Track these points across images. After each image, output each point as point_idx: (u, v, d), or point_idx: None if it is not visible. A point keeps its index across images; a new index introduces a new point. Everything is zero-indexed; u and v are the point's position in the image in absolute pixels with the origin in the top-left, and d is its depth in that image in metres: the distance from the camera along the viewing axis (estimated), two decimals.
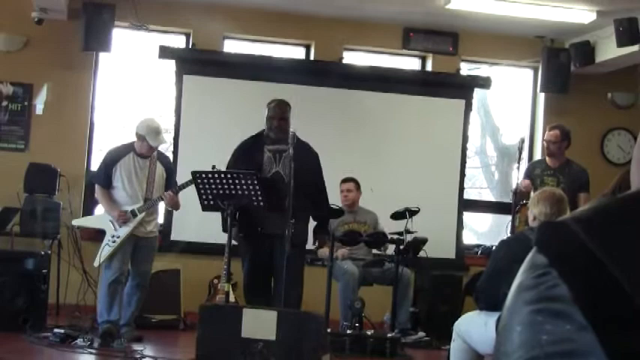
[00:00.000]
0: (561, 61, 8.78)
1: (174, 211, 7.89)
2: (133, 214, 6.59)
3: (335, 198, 7.05)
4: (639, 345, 0.69)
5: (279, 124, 6.22)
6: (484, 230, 9.81)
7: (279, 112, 6.27)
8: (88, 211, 8.10)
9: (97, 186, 6.85)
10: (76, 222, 7.39)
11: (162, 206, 7.18)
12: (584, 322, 0.71)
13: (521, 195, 6.99)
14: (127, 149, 6.68)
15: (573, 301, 0.72)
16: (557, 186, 6.59)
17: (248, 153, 6.29)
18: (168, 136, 8.67)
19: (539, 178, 7.12)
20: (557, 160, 7.20)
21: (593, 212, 0.78)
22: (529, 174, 7.27)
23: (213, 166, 6.20)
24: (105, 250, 6.59)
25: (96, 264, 6.80)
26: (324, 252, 7.21)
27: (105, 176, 6.69)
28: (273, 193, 6.01)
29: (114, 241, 6.58)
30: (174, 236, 8.29)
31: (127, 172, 6.61)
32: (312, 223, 6.58)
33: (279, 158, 6.24)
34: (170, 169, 6.89)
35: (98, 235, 6.85)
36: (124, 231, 6.57)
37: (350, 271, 7.35)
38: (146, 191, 6.61)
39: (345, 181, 7.82)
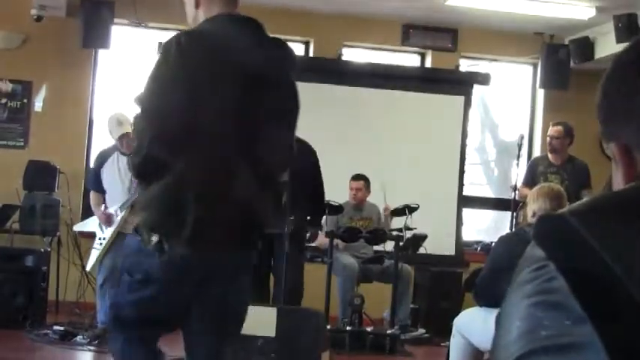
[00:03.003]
0: (560, 58, 8.78)
1: None
2: (116, 213, 6.56)
3: (334, 194, 7.04)
4: (636, 337, 0.69)
5: None
6: (484, 226, 9.82)
7: None
8: (88, 208, 8.10)
9: (90, 191, 6.88)
10: (76, 227, 7.41)
11: None
12: (582, 314, 0.71)
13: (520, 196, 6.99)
14: (111, 150, 6.61)
15: (571, 293, 0.72)
16: (562, 183, 6.57)
17: None
18: None
19: (542, 176, 7.09)
20: (560, 157, 7.18)
21: (590, 205, 0.78)
22: (532, 171, 7.26)
23: None
24: (92, 253, 6.61)
25: (88, 268, 6.83)
26: (325, 244, 7.21)
27: (95, 180, 6.67)
28: None
29: (100, 244, 6.55)
30: None
31: (111, 173, 6.55)
32: None
33: None
34: None
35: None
36: (109, 232, 6.54)
37: (349, 266, 7.36)
38: (129, 189, 6.53)
39: (355, 178, 7.77)
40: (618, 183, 0.88)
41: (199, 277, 2.92)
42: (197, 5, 2.98)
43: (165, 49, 2.86)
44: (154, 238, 2.82)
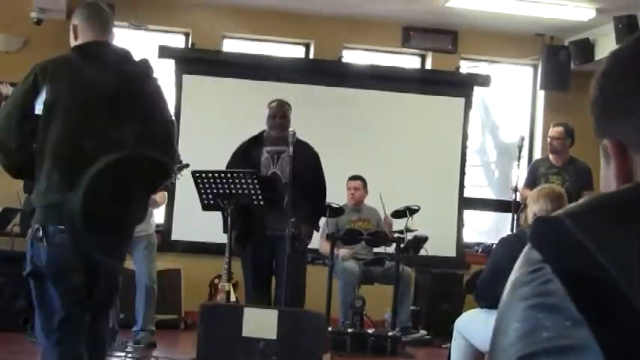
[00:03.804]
0: (561, 59, 8.77)
1: (174, 211, 7.86)
2: None
3: (334, 196, 7.04)
4: (633, 339, 0.69)
5: (282, 122, 6.24)
6: (484, 228, 9.81)
7: (281, 110, 6.30)
8: None
9: None
10: None
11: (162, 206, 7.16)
12: (579, 317, 0.71)
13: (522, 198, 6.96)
14: None
15: (567, 295, 0.72)
16: (563, 184, 6.55)
17: (246, 154, 6.29)
18: None
19: (543, 177, 7.05)
20: (561, 159, 7.15)
21: (586, 207, 0.78)
22: (533, 173, 7.24)
23: (187, 165, 6.27)
24: None
25: None
26: (325, 248, 7.21)
27: None
28: (272, 192, 6.01)
29: None
30: (174, 236, 8.29)
31: None
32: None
33: (277, 159, 6.25)
34: None
35: None
36: None
37: (350, 269, 7.35)
38: None
39: (352, 179, 7.79)
40: (609, 180, 0.87)
41: (79, 264, 3.33)
42: (75, 37, 3.63)
43: (26, 75, 3.49)
44: (36, 227, 3.34)
